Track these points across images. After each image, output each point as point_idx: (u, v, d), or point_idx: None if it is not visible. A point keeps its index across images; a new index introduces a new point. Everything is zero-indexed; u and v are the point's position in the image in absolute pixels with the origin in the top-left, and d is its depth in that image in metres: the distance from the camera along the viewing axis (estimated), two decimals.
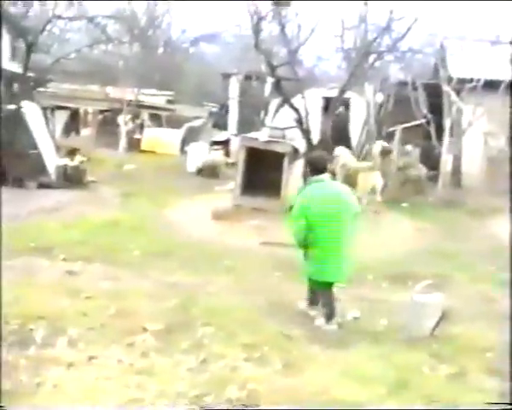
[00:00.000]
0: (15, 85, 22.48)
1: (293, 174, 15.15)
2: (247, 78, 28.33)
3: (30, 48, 22.31)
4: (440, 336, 7.15)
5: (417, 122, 20.34)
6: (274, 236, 11.66)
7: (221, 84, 33.23)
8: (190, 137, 27.23)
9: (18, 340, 6.03)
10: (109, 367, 5.63)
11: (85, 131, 29.72)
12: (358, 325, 7.55)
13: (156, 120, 31.33)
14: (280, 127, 17.00)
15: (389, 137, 20.22)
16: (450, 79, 19.40)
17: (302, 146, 17.12)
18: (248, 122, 26.10)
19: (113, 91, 31.40)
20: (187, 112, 31.39)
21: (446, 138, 19.15)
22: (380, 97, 22.37)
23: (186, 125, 29.00)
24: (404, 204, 16.57)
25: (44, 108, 21.74)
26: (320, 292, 7.69)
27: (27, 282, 8.14)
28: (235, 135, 25.70)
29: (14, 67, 21.94)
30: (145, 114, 31.14)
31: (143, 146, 28.20)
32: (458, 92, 19.21)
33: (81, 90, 31.10)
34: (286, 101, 19.49)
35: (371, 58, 20.59)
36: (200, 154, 22.74)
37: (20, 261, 9.23)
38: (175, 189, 17.61)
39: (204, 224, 13.44)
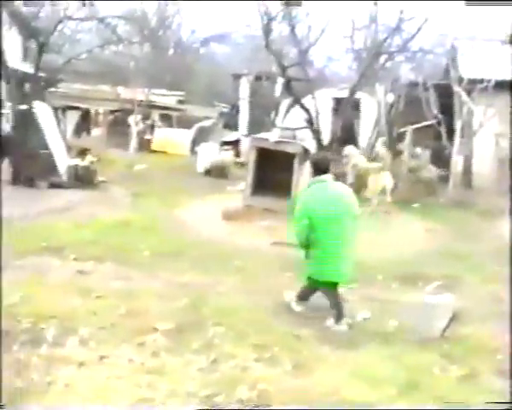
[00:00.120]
0: (27, 85, 22.58)
1: (303, 175, 15.13)
2: (258, 78, 28.34)
3: (41, 48, 22.41)
4: (451, 337, 7.14)
5: (428, 123, 20.28)
6: (284, 236, 11.63)
7: (231, 84, 33.26)
8: (201, 137, 27.25)
9: (30, 339, 6.07)
10: (120, 367, 5.65)
11: (96, 132, 29.81)
12: (368, 326, 7.53)
13: (167, 120, 31.37)
14: (290, 128, 17.00)
15: (400, 137, 20.19)
16: (460, 80, 19.33)
17: (312, 146, 17.12)
18: (259, 122, 26.11)
19: (123, 92, 31.47)
20: (197, 112, 31.41)
21: (457, 139, 19.08)
22: (390, 98, 22.33)
23: (196, 126, 29.02)
24: (415, 205, 16.54)
25: (55, 109, 21.82)
26: (325, 293, 7.70)
27: (39, 281, 8.18)
28: (246, 135, 25.71)
29: (26, 68, 22.04)
30: (156, 115, 31.18)
31: (154, 146, 28.24)
32: (469, 93, 19.14)
33: (92, 91, 31.20)
34: (296, 101, 19.53)
35: (382, 58, 20.62)
36: (211, 154, 22.74)
37: (31, 261, 9.28)
38: (185, 189, 17.64)
39: (214, 224, 13.45)
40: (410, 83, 21.77)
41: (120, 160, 22.53)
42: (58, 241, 10.72)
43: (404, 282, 9.77)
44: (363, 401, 5.34)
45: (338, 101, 22.16)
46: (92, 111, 30.87)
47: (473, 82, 19.04)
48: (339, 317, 7.52)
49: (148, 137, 29.00)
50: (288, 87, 19.92)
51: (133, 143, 27.93)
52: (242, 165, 21.66)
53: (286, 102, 23.88)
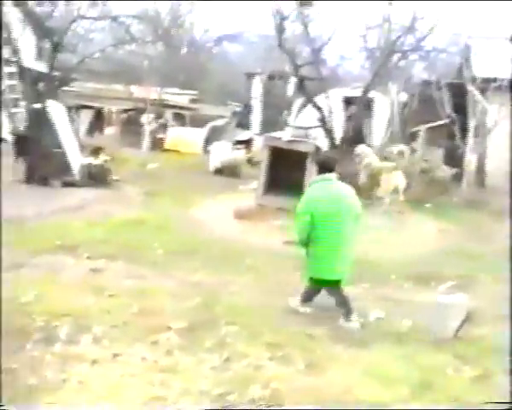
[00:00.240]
0: (41, 85, 22.64)
1: (316, 174, 15.12)
2: (271, 77, 28.35)
3: (55, 48, 22.47)
4: (464, 338, 7.11)
5: (441, 122, 20.20)
6: None
7: (244, 83, 33.28)
8: (214, 136, 27.27)
9: (43, 337, 6.11)
10: (133, 365, 5.68)
11: (109, 131, 29.88)
12: (381, 326, 7.51)
13: (180, 119, 31.40)
14: (303, 127, 16.99)
15: (413, 136, 20.14)
16: (474, 79, 19.25)
17: (325, 145, 17.10)
18: (271, 122, 26.12)
19: (137, 91, 31.54)
20: (210, 111, 31.42)
21: (471, 138, 19.01)
22: (403, 97, 22.27)
23: (209, 125, 29.04)
24: (428, 204, 16.48)
25: (69, 108, 21.91)
26: (329, 292, 7.71)
27: (53, 280, 8.23)
28: (259, 134, 25.71)
29: (40, 67, 22.11)
30: (168, 114, 31.22)
31: (167, 145, 28.27)
32: (483, 92, 19.05)
33: (105, 90, 31.29)
34: (309, 100, 19.50)
35: (395, 57, 20.54)
36: (223, 153, 22.75)
37: (45, 259, 9.33)
38: (198, 188, 17.65)
39: (227, 223, 13.47)
40: (424, 82, 21.71)
41: (133, 159, 22.58)
42: (72, 239, 10.77)
43: (418, 282, 9.75)
44: (375, 400, 5.34)
45: (351, 100, 22.10)
46: (105, 110, 30.95)
47: (486, 81, 18.95)
48: (347, 314, 7.53)
49: (160, 136, 29.04)
50: (301, 86, 19.91)
51: (146, 142, 27.99)
52: (255, 164, 21.66)
53: (298, 101, 23.86)
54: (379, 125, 23.10)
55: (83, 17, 27.74)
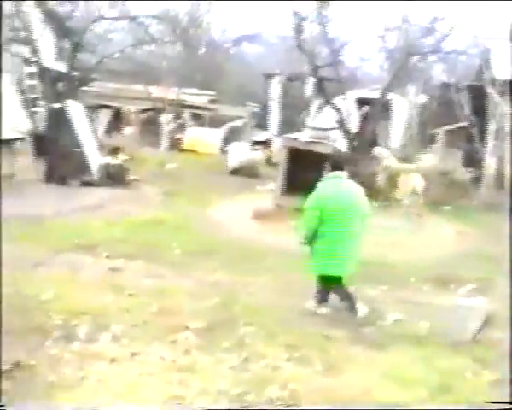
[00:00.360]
0: (60, 84, 22.78)
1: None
2: (290, 78, 28.33)
3: (75, 48, 22.60)
4: (483, 341, 7.06)
5: (461, 124, 20.11)
6: None
7: (263, 84, 33.28)
8: (232, 136, 27.32)
9: (63, 335, 6.14)
10: (152, 364, 5.69)
11: (128, 130, 30.00)
12: (400, 328, 7.47)
13: (198, 119, 31.48)
14: (322, 128, 16.97)
15: (432, 139, 20.06)
16: (494, 81, 19.13)
17: (343, 147, 17.07)
18: (289, 122, 26.13)
19: (155, 91, 31.64)
20: (228, 112, 31.48)
21: (490, 141, 18.89)
22: (422, 99, 22.19)
23: (227, 125, 29.09)
24: (447, 207, 16.40)
25: (88, 107, 22.01)
26: (334, 289, 7.75)
27: (71, 278, 8.29)
28: (277, 135, 25.72)
29: (60, 67, 22.22)
30: (187, 114, 31.30)
31: (185, 145, 28.34)
32: (502, 94, 18.93)
33: (124, 90, 31.41)
34: (328, 101, 19.46)
35: (414, 59, 20.46)
36: (241, 153, 22.78)
37: (64, 258, 9.40)
38: (216, 188, 17.69)
39: (245, 223, 13.48)
40: (443, 84, 21.61)
41: (152, 158, 22.66)
42: (91, 238, 10.84)
43: (436, 284, 9.70)
44: (394, 402, 5.31)
45: (369, 101, 22.03)
46: (124, 110, 31.07)
47: (506, 83, 18.83)
48: (352, 307, 7.63)
49: (179, 136, 29.12)
50: (319, 87, 19.88)
51: (164, 142, 28.08)
52: (273, 164, 21.67)
53: (317, 102, 23.84)
54: (397, 127, 23.01)
55: (102, 17, 27.90)
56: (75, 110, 18.04)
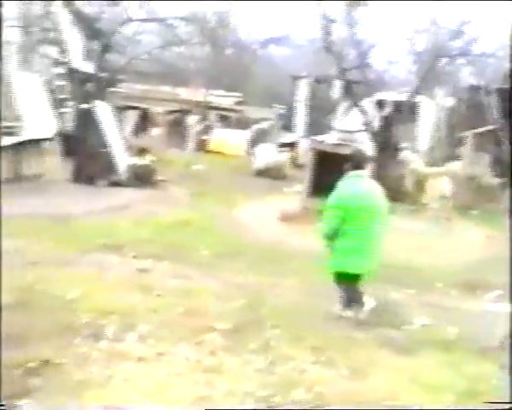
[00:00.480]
0: (89, 85, 23.01)
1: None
2: (317, 80, 28.30)
3: (104, 49, 22.79)
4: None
5: (489, 128, 19.92)
6: None
7: (290, 86, 33.27)
8: (258, 138, 27.36)
9: (90, 333, 6.18)
10: (178, 364, 5.70)
11: (155, 132, 30.18)
12: (427, 332, 7.43)
13: (224, 121, 31.56)
14: (349, 130, 16.94)
15: (460, 142, 19.90)
16: None
17: (370, 149, 17.01)
18: (316, 124, 26.09)
19: (183, 92, 31.77)
20: (255, 113, 31.53)
21: None
22: (450, 101, 22.03)
23: (254, 127, 29.13)
24: (475, 211, 16.26)
25: (116, 108, 22.17)
26: (348, 287, 7.73)
27: (99, 278, 8.32)
28: (303, 137, 25.69)
29: (88, 68, 22.43)
30: (214, 116, 31.39)
31: (211, 147, 28.44)
32: None
33: (152, 91, 31.59)
34: (355, 104, 19.41)
35: (443, 62, 20.33)
36: (268, 155, 22.79)
37: (91, 258, 9.45)
38: (242, 189, 17.73)
39: (272, 225, 13.49)
40: (471, 87, 21.44)
41: (178, 159, 22.77)
42: (118, 238, 10.92)
43: (464, 289, 9.63)
44: (420, 407, 5.27)
45: (397, 104, 21.91)
46: (151, 111, 31.25)
47: None
48: (359, 301, 7.66)
49: (205, 137, 29.21)
50: (347, 89, 19.84)
51: (191, 143, 28.17)
52: (299, 166, 21.64)
53: (344, 104, 23.77)
54: (425, 130, 22.87)
55: (131, 19, 28.10)
56: (103, 111, 18.17)
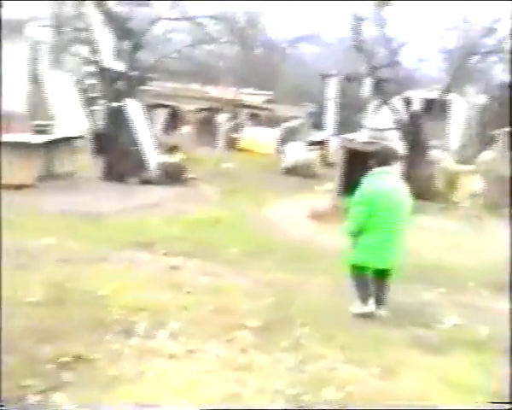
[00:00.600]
0: (119, 83, 23.20)
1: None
2: (346, 78, 28.23)
3: (134, 48, 22.95)
4: None
5: None
6: None
7: (319, 84, 33.22)
8: (288, 136, 27.36)
9: (122, 330, 6.23)
10: (209, 361, 5.73)
11: (185, 130, 30.31)
12: (458, 332, 7.37)
13: (254, 119, 31.61)
14: (379, 128, 16.87)
15: (492, 140, 19.70)
16: None
17: (401, 147, 16.90)
18: (346, 122, 26.04)
19: (213, 91, 31.88)
20: (285, 112, 31.52)
21: None
22: (482, 99, 21.82)
23: (284, 125, 29.13)
24: (506, 209, 16.07)
25: (146, 106, 22.31)
26: (363, 282, 7.70)
27: (130, 274, 8.40)
28: (333, 135, 25.64)
29: (119, 66, 22.63)
30: (244, 114, 31.45)
31: (241, 145, 28.50)
32: None
33: (182, 89, 31.74)
34: (386, 102, 19.32)
35: (474, 59, 20.15)
36: (297, 153, 22.78)
37: (122, 255, 9.53)
38: (272, 187, 17.74)
39: (302, 223, 13.48)
40: (504, 84, 21.22)
41: (208, 158, 22.84)
42: (148, 236, 11.00)
43: (496, 289, 9.52)
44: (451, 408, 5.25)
45: (428, 102, 21.78)
46: (182, 109, 31.40)
47: None
48: (380, 302, 7.63)
49: (235, 135, 29.28)
50: (377, 87, 19.75)
51: (221, 141, 28.26)
52: (329, 164, 21.60)
53: (374, 102, 23.68)
54: (456, 128, 22.69)
55: (161, 18, 28.25)
56: (134, 109, 18.30)
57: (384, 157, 7.92)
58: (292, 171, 21.98)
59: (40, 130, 17.26)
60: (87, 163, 18.27)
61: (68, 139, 17.61)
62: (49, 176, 16.07)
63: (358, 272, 7.68)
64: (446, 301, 8.41)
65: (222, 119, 29.03)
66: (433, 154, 18.24)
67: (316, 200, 15.33)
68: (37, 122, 18.23)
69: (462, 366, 6.26)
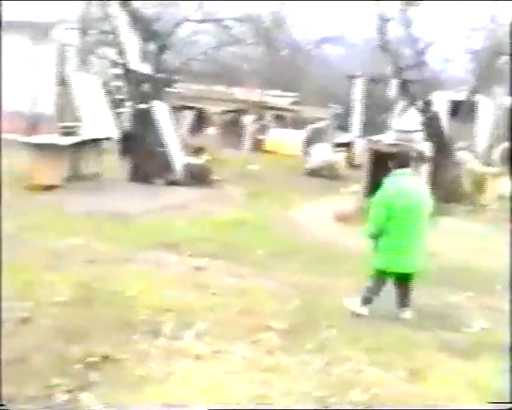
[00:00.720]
0: (146, 85, 23.36)
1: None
2: (372, 80, 28.14)
3: (161, 50, 23.06)
4: None
5: None
6: None
7: (345, 85, 33.15)
8: (314, 138, 27.30)
9: (149, 330, 6.28)
10: (235, 363, 5.75)
11: (211, 131, 30.37)
12: (486, 336, 7.31)
13: (280, 121, 31.61)
14: (406, 130, 16.77)
15: None
16: None
17: (428, 149, 16.80)
18: (372, 124, 25.95)
19: (238, 92, 31.93)
20: (311, 113, 31.48)
21: None
22: (510, 100, 21.62)
23: (310, 127, 29.09)
24: None
25: (172, 108, 22.40)
26: (382, 286, 7.66)
27: (156, 275, 8.45)
28: (359, 137, 25.56)
29: (145, 68, 22.79)
30: (269, 115, 31.47)
31: (267, 146, 28.50)
32: None
33: (208, 91, 31.82)
34: (412, 103, 19.21)
35: (502, 59, 19.97)
36: (323, 155, 22.73)
37: (148, 255, 9.58)
38: (298, 189, 17.72)
39: (327, 225, 13.44)
40: None
41: (234, 159, 22.86)
42: (174, 237, 11.04)
43: None
44: None
45: (455, 103, 21.63)
46: (207, 111, 31.48)
47: None
48: (403, 305, 7.64)
49: (261, 137, 29.29)
50: (404, 89, 19.64)
51: (247, 143, 28.29)
52: (355, 166, 21.53)
53: (400, 103, 23.58)
54: (483, 130, 22.51)
55: (187, 20, 28.36)
56: (160, 111, 18.37)
57: (404, 159, 7.96)
58: (315, 172, 21.93)
59: (67, 131, 17.39)
60: (114, 164, 18.37)
61: (95, 141, 17.74)
62: (76, 177, 16.20)
63: (379, 276, 7.65)
64: (474, 304, 8.34)
65: (248, 120, 29.07)
66: (460, 155, 18.10)
67: (341, 202, 15.28)
68: (65, 124, 18.37)
69: (489, 370, 6.20)
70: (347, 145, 26.23)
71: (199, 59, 32.68)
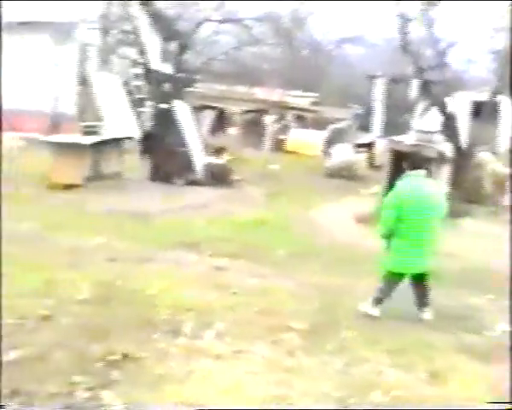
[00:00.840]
0: (167, 85, 23.43)
1: (440, 179, 14.79)
2: (393, 80, 28.01)
3: (181, 50, 23.11)
4: None
5: None
6: None
7: (366, 86, 33.03)
8: (335, 138, 27.23)
9: (169, 329, 6.29)
10: (255, 363, 5.75)
11: (231, 131, 30.42)
12: (507, 339, 7.25)
13: (301, 121, 31.58)
14: (427, 131, 16.67)
15: None
16: None
17: (449, 150, 16.70)
18: (393, 124, 25.81)
19: (259, 92, 31.94)
20: (331, 113, 31.43)
21: None
22: None
23: (330, 127, 29.03)
24: None
25: (193, 108, 22.46)
26: (393, 287, 7.64)
27: (176, 274, 8.47)
28: (380, 137, 25.45)
29: (166, 68, 22.86)
30: (290, 116, 31.45)
31: (288, 147, 28.49)
32: None
33: (228, 91, 31.87)
34: (434, 104, 19.10)
35: None
36: (344, 155, 22.68)
37: (169, 255, 9.62)
38: (318, 190, 17.70)
39: (348, 226, 13.41)
40: None
41: (254, 159, 22.88)
42: (194, 236, 11.08)
43: None
44: None
45: (477, 104, 21.46)
46: (228, 111, 31.52)
47: None
48: (422, 306, 7.62)
49: (282, 137, 29.28)
50: (425, 89, 19.54)
51: (267, 143, 28.30)
52: (376, 167, 21.45)
53: (422, 104, 23.43)
54: (505, 131, 22.33)
55: (208, 20, 28.40)
56: (181, 110, 18.44)
57: (417, 160, 7.94)
58: (335, 172, 21.88)
59: (89, 131, 17.53)
60: (134, 164, 18.46)
61: (116, 140, 17.83)
62: (97, 176, 16.31)
63: (390, 277, 7.62)
64: (495, 307, 8.27)
65: (268, 120, 29.08)
66: (482, 156, 17.96)
67: (361, 203, 15.24)
68: (86, 123, 18.51)
69: (510, 373, 6.14)
70: (368, 146, 26.15)
71: (219, 59, 32.72)
